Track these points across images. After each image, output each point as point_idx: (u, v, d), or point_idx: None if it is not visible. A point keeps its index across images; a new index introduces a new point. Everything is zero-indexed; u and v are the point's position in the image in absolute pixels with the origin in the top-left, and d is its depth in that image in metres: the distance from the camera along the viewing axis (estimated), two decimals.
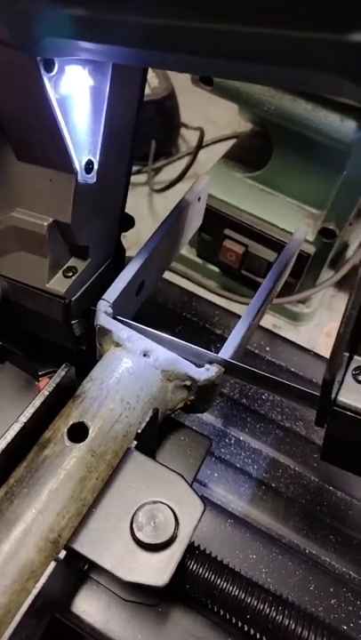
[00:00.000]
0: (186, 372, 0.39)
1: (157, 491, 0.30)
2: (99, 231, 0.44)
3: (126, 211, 0.48)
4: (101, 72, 0.36)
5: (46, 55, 0.30)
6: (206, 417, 0.57)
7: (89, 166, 0.38)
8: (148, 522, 0.29)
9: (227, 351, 0.39)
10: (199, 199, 0.54)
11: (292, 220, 0.71)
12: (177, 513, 0.30)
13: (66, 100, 0.34)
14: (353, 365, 0.31)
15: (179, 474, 0.31)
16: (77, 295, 0.43)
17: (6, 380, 0.53)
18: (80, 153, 0.37)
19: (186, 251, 0.84)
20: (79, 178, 0.37)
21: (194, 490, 0.31)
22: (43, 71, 0.31)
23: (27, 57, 0.30)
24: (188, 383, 0.39)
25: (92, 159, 0.38)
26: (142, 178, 0.95)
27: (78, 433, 0.35)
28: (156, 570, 0.28)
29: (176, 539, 0.29)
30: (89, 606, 0.35)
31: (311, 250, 0.70)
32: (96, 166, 0.39)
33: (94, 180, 0.39)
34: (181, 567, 0.32)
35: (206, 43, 0.22)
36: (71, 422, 0.35)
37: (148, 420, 0.34)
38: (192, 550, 0.33)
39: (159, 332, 0.40)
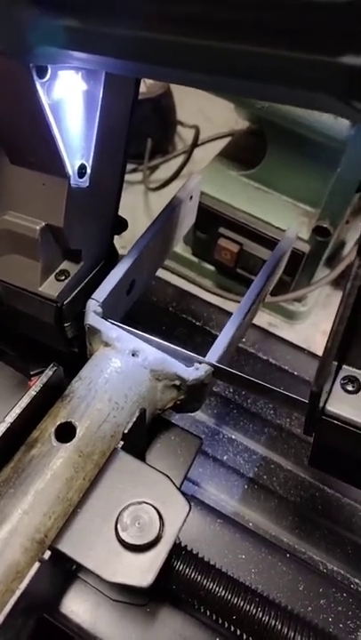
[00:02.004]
0: (175, 372, 0.39)
1: (143, 491, 0.30)
2: (91, 234, 0.44)
3: (122, 209, 0.48)
4: (94, 77, 0.36)
5: (38, 62, 0.30)
6: (199, 415, 0.57)
7: (82, 171, 0.38)
8: (133, 522, 0.29)
9: (213, 354, 0.39)
10: (191, 198, 0.54)
11: (287, 218, 0.71)
12: (162, 513, 0.29)
13: (58, 105, 0.34)
14: (341, 375, 0.31)
15: (165, 474, 0.31)
16: (69, 298, 0.43)
17: None
18: (73, 157, 0.37)
19: (181, 249, 0.84)
20: (72, 182, 0.38)
21: (180, 490, 0.30)
22: (35, 77, 0.31)
23: (19, 63, 0.30)
24: (177, 383, 0.39)
25: (85, 163, 0.38)
26: (138, 176, 0.94)
27: (66, 433, 0.34)
28: (140, 570, 0.28)
29: (161, 539, 0.29)
30: (77, 606, 0.35)
31: (306, 248, 0.70)
32: (89, 170, 0.39)
33: (87, 184, 0.39)
34: (167, 567, 0.32)
35: (196, 58, 0.22)
36: (59, 422, 0.35)
37: (135, 420, 0.34)
38: (178, 551, 0.33)
39: (147, 335, 0.40)
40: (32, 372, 0.54)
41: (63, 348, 0.46)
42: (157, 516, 0.29)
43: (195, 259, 0.84)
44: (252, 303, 0.44)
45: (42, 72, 0.32)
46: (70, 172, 0.37)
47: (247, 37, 0.20)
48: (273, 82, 0.22)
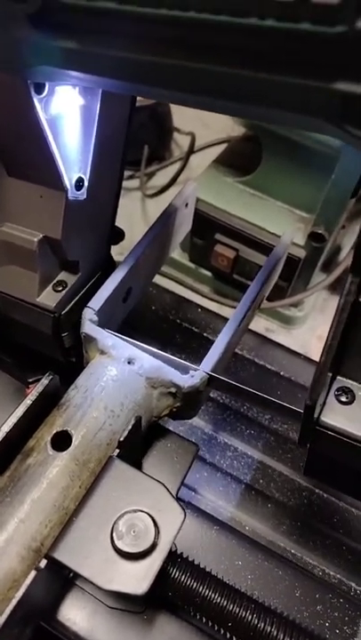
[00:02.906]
0: (170, 379, 0.39)
1: (138, 499, 0.30)
2: (89, 245, 0.45)
3: (119, 216, 0.48)
4: (92, 92, 0.37)
5: (36, 80, 0.31)
6: (196, 421, 0.57)
7: (79, 184, 0.39)
8: (129, 530, 0.29)
9: (208, 363, 0.39)
10: (187, 205, 0.54)
11: (283, 224, 0.72)
12: (157, 521, 0.30)
13: (56, 120, 0.35)
14: (335, 386, 0.31)
15: (160, 482, 0.31)
16: (67, 309, 0.43)
17: None
18: (70, 171, 0.38)
19: (178, 255, 0.85)
20: (69, 195, 0.38)
21: (175, 498, 0.31)
22: (33, 93, 0.32)
23: (17, 79, 0.31)
24: (173, 390, 0.40)
25: (83, 176, 0.39)
26: (135, 183, 0.95)
27: (62, 441, 0.35)
28: (135, 578, 0.28)
29: (156, 547, 0.29)
30: (74, 614, 0.35)
31: (302, 254, 0.70)
32: (86, 183, 0.39)
33: (84, 197, 0.40)
34: (163, 575, 0.32)
35: (191, 81, 0.23)
36: (55, 431, 0.35)
37: (130, 427, 0.34)
38: (174, 558, 0.33)
39: (142, 344, 0.40)
40: (30, 380, 0.54)
41: (60, 358, 0.46)
42: (153, 524, 0.29)
43: (192, 265, 0.84)
44: (247, 310, 0.44)
45: (39, 88, 0.32)
46: (68, 185, 0.38)
47: (242, 62, 0.20)
48: (268, 106, 0.22)
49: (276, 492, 0.53)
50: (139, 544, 0.29)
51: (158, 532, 0.29)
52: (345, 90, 0.19)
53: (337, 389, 0.31)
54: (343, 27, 0.17)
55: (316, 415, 0.30)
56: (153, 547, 0.29)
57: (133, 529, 0.29)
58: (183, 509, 0.30)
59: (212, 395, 0.60)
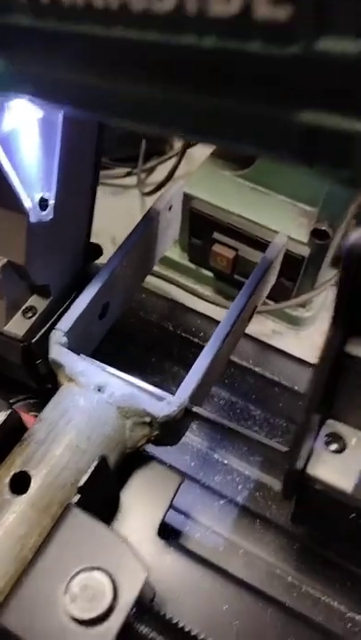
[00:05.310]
0: (143, 408, 0.36)
1: (95, 555, 0.27)
2: (60, 267, 0.41)
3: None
4: None
5: None
6: (188, 437, 0.54)
7: (43, 203, 0.35)
8: (83, 592, 0.26)
9: (184, 390, 0.36)
10: (170, 208, 0.50)
11: (284, 220, 0.67)
12: (116, 580, 0.27)
13: (10, 138, 0.31)
14: (325, 431, 0.27)
15: (121, 537, 0.28)
16: (38, 336, 0.40)
17: None
18: (32, 191, 0.34)
19: (178, 256, 0.81)
20: (32, 218, 0.35)
21: (135, 554, 0.27)
22: None
23: None
24: (147, 420, 0.36)
25: (47, 196, 0.35)
26: (133, 180, 0.91)
27: (21, 483, 0.32)
28: None
29: (113, 611, 0.26)
30: None
31: (305, 252, 0.65)
32: (52, 202, 0.36)
33: (51, 217, 0.36)
34: (130, 632, 0.29)
35: (128, 107, 0.19)
36: (13, 472, 0.32)
37: (92, 471, 0.31)
38: (142, 612, 0.30)
39: (114, 370, 0.37)
40: (11, 401, 0.52)
41: (35, 386, 0.43)
42: (110, 585, 0.26)
43: (192, 265, 0.80)
44: (232, 326, 0.40)
45: None
46: (29, 206, 0.34)
47: (180, 86, 0.17)
48: (222, 137, 0.19)
49: (276, 514, 0.50)
50: (93, 607, 0.26)
51: (116, 594, 0.26)
52: (307, 121, 0.15)
53: (327, 435, 0.27)
54: (298, 47, 0.13)
55: (302, 465, 0.26)
56: (110, 610, 0.26)
57: (88, 590, 0.26)
58: (145, 567, 0.27)
59: (205, 407, 0.56)
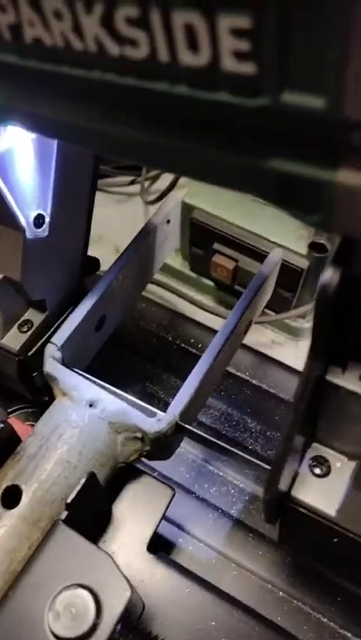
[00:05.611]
0: (135, 424, 0.36)
1: (80, 572, 0.28)
2: (57, 282, 0.42)
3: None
4: None
5: None
6: (183, 447, 0.54)
7: (39, 221, 0.36)
8: (66, 610, 0.27)
9: (176, 406, 0.36)
10: (168, 221, 0.51)
11: (284, 232, 0.67)
12: (100, 598, 0.27)
13: (5, 157, 0.32)
14: (310, 454, 0.27)
15: (107, 553, 0.28)
16: (34, 350, 0.41)
17: None
18: (27, 209, 0.35)
19: (179, 264, 0.81)
20: (28, 234, 0.35)
21: (121, 572, 0.28)
22: None
23: None
24: (138, 435, 0.37)
25: (43, 213, 0.36)
26: (136, 188, 0.92)
27: (12, 497, 0.32)
28: None
29: (96, 629, 0.26)
30: None
31: (305, 264, 0.65)
32: (48, 219, 0.37)
33: (47, 234, 0.37)
34: None
35: (113, 144, 0.20)
36: (4, 485, 0.33)
37: (80, 488, 0.31)
38: (128, 629, 0.30)
39: (105, 384, 0.38)
40: (9, 410, 0.52)
41: (32, 398, 0.44)
42: (93, 603, 0.27)
43: (193, 274, 0.80)
44: (225, 342, 0.40)
45: None
46: (25, 224, 0.35)
47: (159, 129, 0.17)
48: (203, 177, 0.19)
49: (269, 528, 0.50)
50: (76, 626, 0.26)
51: (100, 612, 0.27)
52: (279, 169, 0.15)
53: (311, 459, 0.27)
54: (265, 99, 0.13)
55: (286, 489, 0.26)
56: (93, 629, 0.26)
57: (72, 607, 0.27)
58: (130, 585, 0.27)
59: (201, 419, 0.56)
